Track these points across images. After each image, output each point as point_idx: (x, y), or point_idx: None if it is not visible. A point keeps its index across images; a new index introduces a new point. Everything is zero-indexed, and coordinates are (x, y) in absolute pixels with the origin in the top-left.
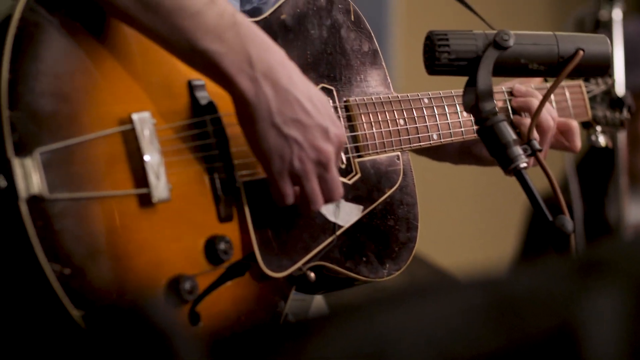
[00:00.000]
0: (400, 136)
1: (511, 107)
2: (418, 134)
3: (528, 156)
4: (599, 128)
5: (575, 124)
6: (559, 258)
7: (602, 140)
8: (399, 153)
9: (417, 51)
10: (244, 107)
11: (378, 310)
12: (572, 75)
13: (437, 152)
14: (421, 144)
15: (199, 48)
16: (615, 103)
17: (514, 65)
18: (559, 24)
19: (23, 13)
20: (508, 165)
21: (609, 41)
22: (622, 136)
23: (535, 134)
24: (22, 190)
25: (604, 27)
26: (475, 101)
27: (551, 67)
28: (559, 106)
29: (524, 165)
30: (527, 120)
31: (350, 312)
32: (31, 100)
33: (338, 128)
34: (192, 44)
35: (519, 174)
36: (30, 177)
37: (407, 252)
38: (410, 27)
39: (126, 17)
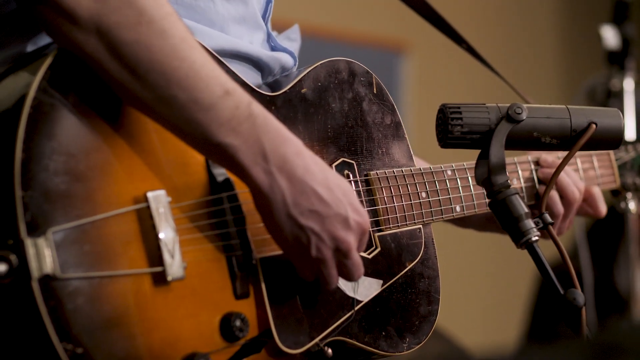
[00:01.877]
0: (422, 209)
1: (537, 177)
2: (441, 206)
3: (540, 230)
4: (629, 195)
5: (597, 190)
6: (575, 340)
7: (632, 206)
8: (421, 226)
9: (428, 121)
10: (260, 198)
11: None
12: (585, 149)
13: (461, 220)
14: (444, 216)
15: (214, 141)
16: None
17: (526, 139)
18: (570, 93)
19: (37, 93)
20: (520, 239)
21: (621, 114)
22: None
23: (559, 206)
24: (35, 270)
25: (615, 96)
26: (488, 174)
27: (564, 141)
28: (586, 174)
29: (535, 238)
30: (554, 193)
31: None
32: (45, 179)
33: (360, 215)
34: (206, 137)
35: (530, 247)
36: (42, 256)
37: (428, 325)
38: (420, 91)
39: (141, 107)
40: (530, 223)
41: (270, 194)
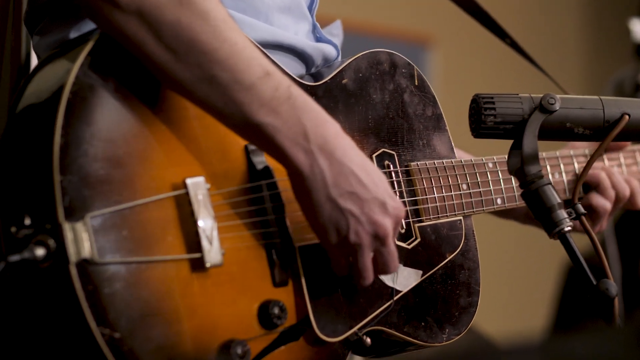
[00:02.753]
0: (462, 200)
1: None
2: (482, 198)
3: (572, 220)
4: None
5: (636, 185)
6: (613, 326)
7: None
8: (462, 217)
9: (454, 114)
10: (300, 180)
11: None
12: (618, 140)
13: (504, 213)
14: (484, 208)
15: (254, 121)
16: None
17: (559, 129)
18: (598, 87)
19: (76, 79)
20: (552, 229)
21: None
22: None
23: (603, 202)
24: (73, 255)
25: None
26: (521, 164)
27: (597, 132)
28: (629, 170)
29: (568, 229)
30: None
31: None
32: (83, 164)
33: (396, 202)
34: (246, 117)
35: (563, 237)
36: (80, 241)
37: (468, 316)
38: (446, 84)
39: (181, 88)
40: (563, 213)
41: (310, 174)
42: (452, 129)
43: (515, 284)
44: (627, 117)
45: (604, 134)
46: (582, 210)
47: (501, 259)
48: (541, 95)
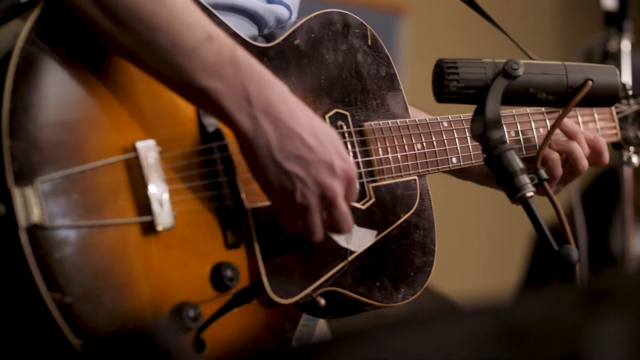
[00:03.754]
0: (417, 160)
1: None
2: (437, 157)
3: (535, 185)
4: (631, 148)
5: (602, 141)
6: (566, 287)
7: (635, 160)
8: (416, 177)
9: (425, 83)
10: (245, 144)
11: (383, 336)
12: (581, 105)
13: (461, 172)
14: (439, 167)
15: (197, 86)
16: None
17: (522, 95)
18: (567, 55)
19: (25, 44)
20: (514, 194)
21: (617, 72)
22: (629, 168)
23: (559, 170)
24: (22, 220)
25: (612, 58)
26: (483, 130)
27: (560, 97)
28: (586, 127)
29: (530, 194)
30: (555, 155)
31: (354, 338)
32: (33, 129)
33: (346, 163)
34: (189, 81)
35: (525, 203)
36: (30, 206)
37: (424, 276)
38: (418, 53)
39: (125, 53)
40: (525, 179)
41: (255, 138)
42: (424, 97)
43: (487, 249)
44: (590, 82)
45: (567, 99)
46: (544, 175)
47: (471, 225)
48: (504, 61)
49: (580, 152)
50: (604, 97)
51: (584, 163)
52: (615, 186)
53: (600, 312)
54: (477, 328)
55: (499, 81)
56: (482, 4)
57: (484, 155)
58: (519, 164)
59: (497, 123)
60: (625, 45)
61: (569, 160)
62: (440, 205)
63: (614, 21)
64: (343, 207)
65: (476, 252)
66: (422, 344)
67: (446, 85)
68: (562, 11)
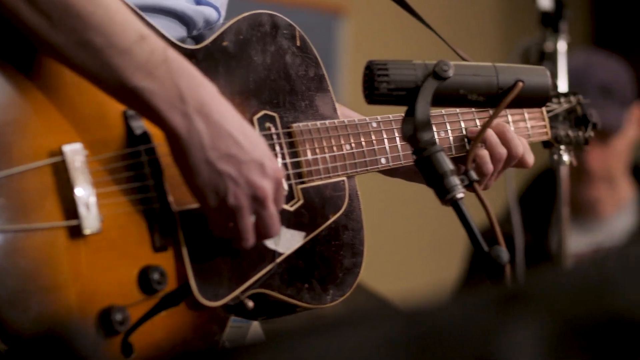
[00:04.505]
0: (346, 161)
1: (467, 137)
2: (365, 158)
3: (465, 187)
4: (562, 147)
5: (523, 141)
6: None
7: (565, 159)
8: (345, 178)
9: None
10: (177, 144)
11: (300, 340)
12: (512, 107)
13: (390, 171)
14: (368, 168)
15: (130, 85)
16: (579, 121)
17: (453, 96)
18: (505, 55)
19: None
20: (444, 196)
21: (548, 73)
22: (564, 167)
23: (489, 165)
24: None
25: (548, 58)
26: (413, 131)
27: (490, 98)
28: (516, 126)
29: (460, 195)
30: (484, 151)
31: (273, 341)
32: None
33: (274, 163)
34: (122, 81)
35: (455, 204)
36: None
37: (352, 277)
38: (358, 54)
39: (56, 54)
40: (455, 180)
41: (188, 137)
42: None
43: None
44: (520, 84)
45: (497, 100)
46: (474, 177)
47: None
48: (435, 62)
49: (495, 139)
50: (534, 98)
51: (500, 150)
52: (553, 185)
53: (514, 316)
54: (390, 331)
55: (429, 83)
56: (422, 4)
57: (414, 156)
58: (449, 165)
59: (427, 124)
60: (561, 46)
61: (487, 148)
62: (380, 205)
63: (550, 22)
64: (272, 209)
65: (416, 252)
66: (336, 347)
67: (376, 86)
68: (501, 12)
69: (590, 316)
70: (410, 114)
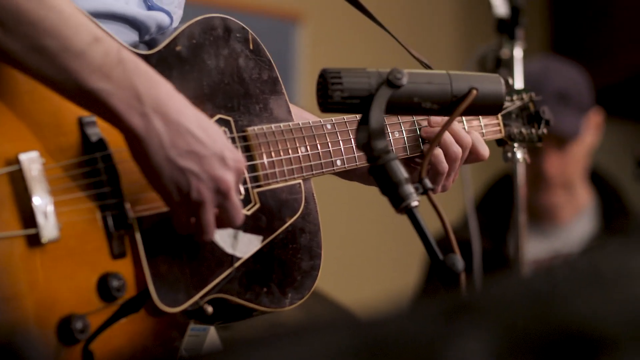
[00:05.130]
0: (302, 164)
1: (421, 137)
2: (321, 160)
3: (420, 195)
4: (515, 145)
5: (475, 135)
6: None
7: (519, 156)
8: (301, 181)
9: None
10: (137, 144)
11: (250, 350)
12: (466, 114)
13: (347, 173)
14: (324, 170)
15: (86, 88)
16: (532, 118)
17: (407, 104)
18: (462, 61)
19: None
20: (399, 204)
21: (502, 80)
22: (520, 172)
23: (444, 164)
24: None
25: (505, 65)
26: (367, 139)
27: (444, 106)
28: (469, 124)
29: (415, 204)
30: (437, 150)
31: (223, 353)
32: None
33: (235, 154)
34: (79, 84)
35: (410, 212)
36: None
37: (310, 280)
38: (315, 60)
39: (12, 60)
40: (410, 188)
41: (147, 137)
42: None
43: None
44: (474, 91)
45: (451, 108)
46: (429, 185)
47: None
48: (388, 70)
49: (449, 137)
50: (488, 106)
51: (455, 149)
52: (511, 192)
53: (461, 327)
54: (337, 342)
55: (383, 90)
56: (379, 10)
57: (369, 164)
58: (404, 174)
59: (381, 133)
60: (518, 52)
61: (441, 147)
62: (339, 208)
63: (506, 28)
64: (235, 200)
65: (376, 257)
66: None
67: (330, 95)
68: (458, 18)
69: (540, 328)
70: (364, 122)
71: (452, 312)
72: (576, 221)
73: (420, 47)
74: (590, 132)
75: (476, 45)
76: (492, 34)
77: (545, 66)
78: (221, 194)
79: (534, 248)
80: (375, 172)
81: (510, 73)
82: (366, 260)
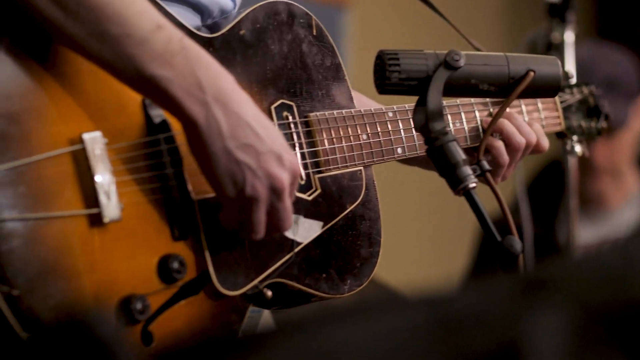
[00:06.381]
0: (362, 151)
1: (482, 128)
2: (382, 148)
3: (477, 176)
4: (574, 137)
5: (537, 127)
6: (504, 277)
7: (578, 149)
8: (362, 168)
9: (370, 70)
10: (195, 132)
11: (322, 327)
12: (523, 96)
13: (407, 159)
14: (385, 158)
15: (147, 74)
16: (592, 112)
17: (464, 86)
18: (511, 46)
19: None
20: (457, 186)
21: (559, 62)
22: (572, 159)
23: (505, 157)
24: None
25: (555, 49)
26: (425, 121)
27: (502, 88)
28: (530, 117)
29: (473, 185)
30: (498, 142)
31: (295, 329)
32: None
33: (291, 155)
34: (139, 70)
35: (467, 194)
36: None
37: (369, 267)
38: (363, 46)
39: (73, 44)
40: (467, 170)
41: (206, 125)
42: (369, 90)
43: (435, 238)
44: (532, 73)
45: (509, 90)
46: (486, 166)
47: (421, 213)
48: (446, 52)
49: (512, 128)
50: (546, 88)
51: (519, 139)
52: (561, 177)
53: (537, 302)
54: (411, 319)
55: (441, 72)
56: None
57: (426, 146)
58: (462, 155)
59: (439, 114)
60: (569, 37)
61: (503, 139)
62: (385, 196)
63: (557, 12)
64: (288, 203)
65: (423, 243)
66: (357, 335)
67: (387, 76)
68: (507, 3)
69: (614, 302)
70: (421, 103)
71: (527, 288)
72: (624, 208)
73: (468, 33)
74: (638, 118)
75: (523, 30)
76: (539, 17)
77: (593, 52)
78: (275, 193)
79: (583, 234)
80: (433, 153)
81: (561, 58)
82: (415, 245)
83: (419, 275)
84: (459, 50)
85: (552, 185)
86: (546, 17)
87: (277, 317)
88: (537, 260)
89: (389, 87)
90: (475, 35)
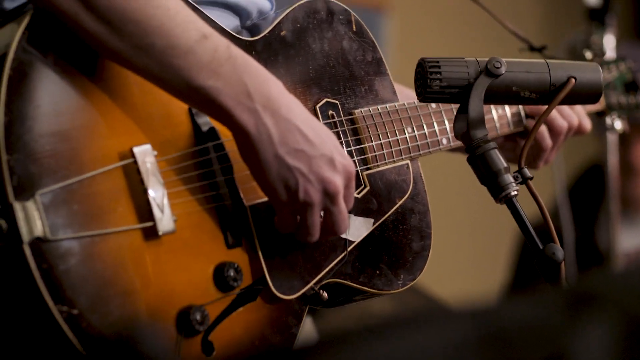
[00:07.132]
0: (409, 144)
1: (525, 113)
2: (427, 139)
3: (519, 184)
4: (614, 114)
5: (579, 108)
6: (550, 289)
7: (618, 125)
8: (408, 162)
9: (411, 80)
10: (246, 140)
11: (366, 339)
12: (565, 103)
13: (452, 148)
14: (430, 150)
15: (195, 85)
16: (630, 86)
17: (505, 93)
18: (551, 50)
19: (16, 54)
20: (499, 194)
21: (600, 69)
22: (613, 162)
23: (548, 141)
24: (25, 234)
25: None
26: (467, 129)
27: (543, 95)
28: None
29: (514, 193)
30: (542, 128)
31: (338, 341)
32: (29, 141)
33: (345, 158)
34: (187, 81)
35: (509, 202)
36: (32, 220)
37: (422, 260)
38: (402, 50)
39: (119, 58)
40: (509, 177)
41: (256, 133)
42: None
43: (473, 248)
44: (573, 80)
45: (550, 97)
46: (528, 174)
47: (458, 224)
48: (487, 59)
49: (554, 111)
50: (587, 95)
51: (561, 122)
52: (601, 181)
53: (585, 315)
54: (458, 333)
55: (482, 80)
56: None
57: (467, 154)
58: (503, 163)
59: (480, 122)
60: (609, 40)
61: (546, 123)
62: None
63: (597, 16)
64: (342, 206)
65: (463, 252)
66: (403, 348)
67: (429, 84)
68: (545, 6)
69: None
70: (463, 111)
71: (573, 301)
72: None
73: (506, 37)
74: None
75: (562, 34)
76: (578, 21)
77: (633, 54)
78: (329, 196)
79: (624, 239)
80: (474, 161)
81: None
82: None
83: (459, 283)
84: (500, 58)
85: (592, 189)
86: (585, 21)
87: (319, 325)
88: (578, 265)
89: (430, 95)
90: (513, 40)
